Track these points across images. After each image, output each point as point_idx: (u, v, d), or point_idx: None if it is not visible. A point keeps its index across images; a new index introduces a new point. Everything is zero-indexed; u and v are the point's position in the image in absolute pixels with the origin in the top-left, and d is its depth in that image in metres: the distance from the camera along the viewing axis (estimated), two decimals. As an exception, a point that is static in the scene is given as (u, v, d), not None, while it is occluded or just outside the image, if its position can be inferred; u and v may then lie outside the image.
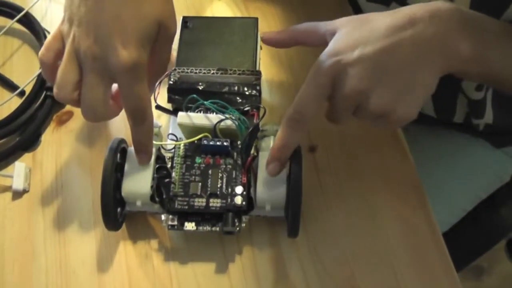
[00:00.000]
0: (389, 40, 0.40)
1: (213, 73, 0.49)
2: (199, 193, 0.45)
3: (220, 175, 0.45)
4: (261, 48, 0.52)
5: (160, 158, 0.47)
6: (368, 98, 0.40)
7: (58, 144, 0.55)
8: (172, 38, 0.46)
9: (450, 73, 0.43)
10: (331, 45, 0.42)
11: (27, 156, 0.54)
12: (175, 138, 0.48)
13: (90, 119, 0.45)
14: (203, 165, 0.46)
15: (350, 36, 0.42)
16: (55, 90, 0.44)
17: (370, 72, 0.40)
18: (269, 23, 0.61)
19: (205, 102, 0.46)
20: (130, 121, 0.44)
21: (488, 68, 0.44)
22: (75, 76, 0.43)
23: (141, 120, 0.44)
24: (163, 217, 0.46)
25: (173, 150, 0.47)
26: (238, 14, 0.61)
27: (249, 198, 0.45)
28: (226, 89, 0.48)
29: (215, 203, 0.45)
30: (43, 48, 0.45)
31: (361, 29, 0.42)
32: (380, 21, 0.41)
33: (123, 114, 0.55)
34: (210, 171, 0.46)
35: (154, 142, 0.47)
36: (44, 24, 0.61)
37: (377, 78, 0.40)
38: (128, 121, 0.44)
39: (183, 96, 0.47)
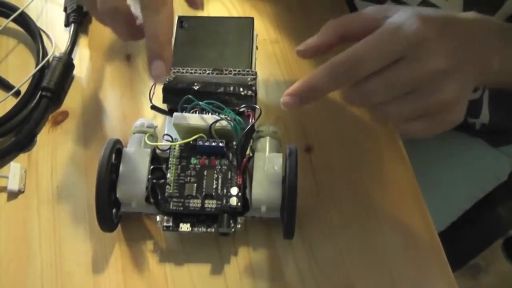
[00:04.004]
0: (469, 27, 0.37)
1: (208, 73, 0.49)
2: (194, 194, 0.45)
3: (215, 176, 0.45)
4: (257, 48, 0.52)
5: (155, 159, 0.47)
6: (446, 82, 0.34)
7: (54, 145, 0.55)
8: None
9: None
10: (411, 9, 0.35)
11: (22, 157, 0.54)
12: (170, 139, 0.47)
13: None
14: (199, 166, 0.46)
15: (430, 14, 0.35)
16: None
17: (457, 52, 0.35)
18: (265, 23, 0.60)
19: (201, 103, 0.46)
20: (143, 9, 0.37)
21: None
22: None
23: (156, 6, 0.37)
24: (158, 218, 0.45)
25: (168, 151, 0.47)
26: (234, 14, 0.61)
27: (244, 199, 0.45)
28: (221, 89, 0.48)
29: (210, 204, 0.44)
30: None
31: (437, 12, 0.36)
32: (457, 15, 0.38)
33: (118, 115, 0.55)
34: (205, 172, 0.45)
35: (149, 142, 0.47)
36: (39, 24, 0.61)
37: (461, 61, 0.35)
38: (141, 14, 0.38)
39: (178, 97, 0.47)
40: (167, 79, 0.48)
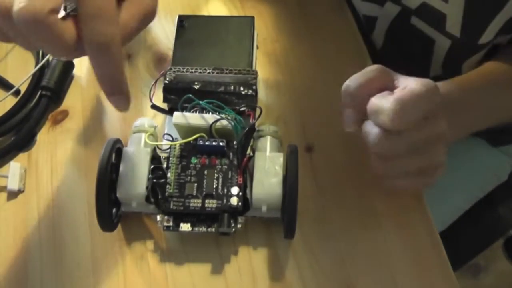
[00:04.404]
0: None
1: (209, 73, 0.48)
2: (194, 193, 0.45)
3: (216, 175, 0.45)
4: (257, 47, 0.52)
5: (155, 159, 0.47)
6: (443, 143, 0.42)
7: (54, 144, 0.54)
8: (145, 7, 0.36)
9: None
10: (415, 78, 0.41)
11: (22, 156, 0.54)
12: (170, 138, 0.47)
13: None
14: (199, 166, 0.46)
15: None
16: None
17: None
18: (265, 22, 0.60)
19: (201, 102, 0.46)
20: (91, 50, 0.33)
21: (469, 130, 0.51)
22: None
23: (105, 44, 0.33)
24: (158, 217, 0.45)
25: (168, 151, 0.47)
26: (234, 13, 0.61)
27: (245, 198, 0.45)
28: (222, 88, 0.47)
29: (211, 203, 0.44)
30: None
31: None
32: None
33: (118, 114, 0.55)
34: (205, 172, 0.45)
35: (149, 141, 0.47)
36: (39, 23, 0.61)
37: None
38: (88, 55, 0.34)
39: (178, 96, 0.47)
40: (167, 79, 0.48)
